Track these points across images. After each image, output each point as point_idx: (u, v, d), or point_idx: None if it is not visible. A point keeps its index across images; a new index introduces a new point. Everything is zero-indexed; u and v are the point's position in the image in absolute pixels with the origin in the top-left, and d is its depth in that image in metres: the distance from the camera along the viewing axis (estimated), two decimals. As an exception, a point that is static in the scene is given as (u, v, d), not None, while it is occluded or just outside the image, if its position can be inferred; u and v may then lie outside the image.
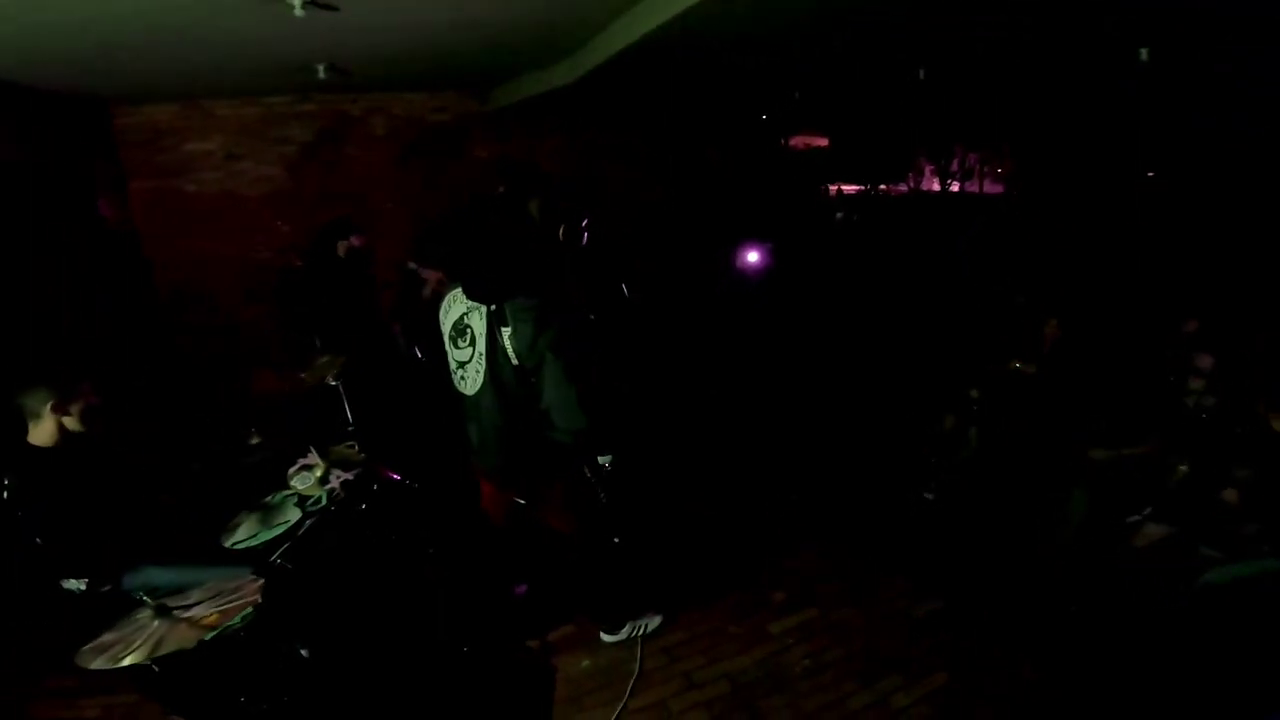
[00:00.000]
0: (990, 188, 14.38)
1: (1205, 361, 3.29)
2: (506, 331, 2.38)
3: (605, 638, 3.00)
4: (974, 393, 4.25)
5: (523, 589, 3.12)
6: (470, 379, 2.52)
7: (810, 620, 3.15)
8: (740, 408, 5.27)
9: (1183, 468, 3.02)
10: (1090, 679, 2.72)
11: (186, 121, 5.59)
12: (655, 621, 3.08)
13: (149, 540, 2.61)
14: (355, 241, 4.75)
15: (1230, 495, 2.89)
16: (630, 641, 2.99)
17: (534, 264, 2.49)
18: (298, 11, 3.12)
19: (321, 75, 4.76)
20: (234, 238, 5.87)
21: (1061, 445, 3.68)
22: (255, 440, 3.52)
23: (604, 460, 2.67)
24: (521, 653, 2.98)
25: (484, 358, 2.44)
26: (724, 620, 3.16)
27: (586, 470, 2.67)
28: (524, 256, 2.46)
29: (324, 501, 2.86)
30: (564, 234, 3.65)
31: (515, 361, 2.39)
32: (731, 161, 7.95)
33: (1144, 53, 4.55)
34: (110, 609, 2.16)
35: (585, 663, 2.92)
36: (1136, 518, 3.08)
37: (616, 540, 2.87)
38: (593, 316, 3.98)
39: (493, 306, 2.43)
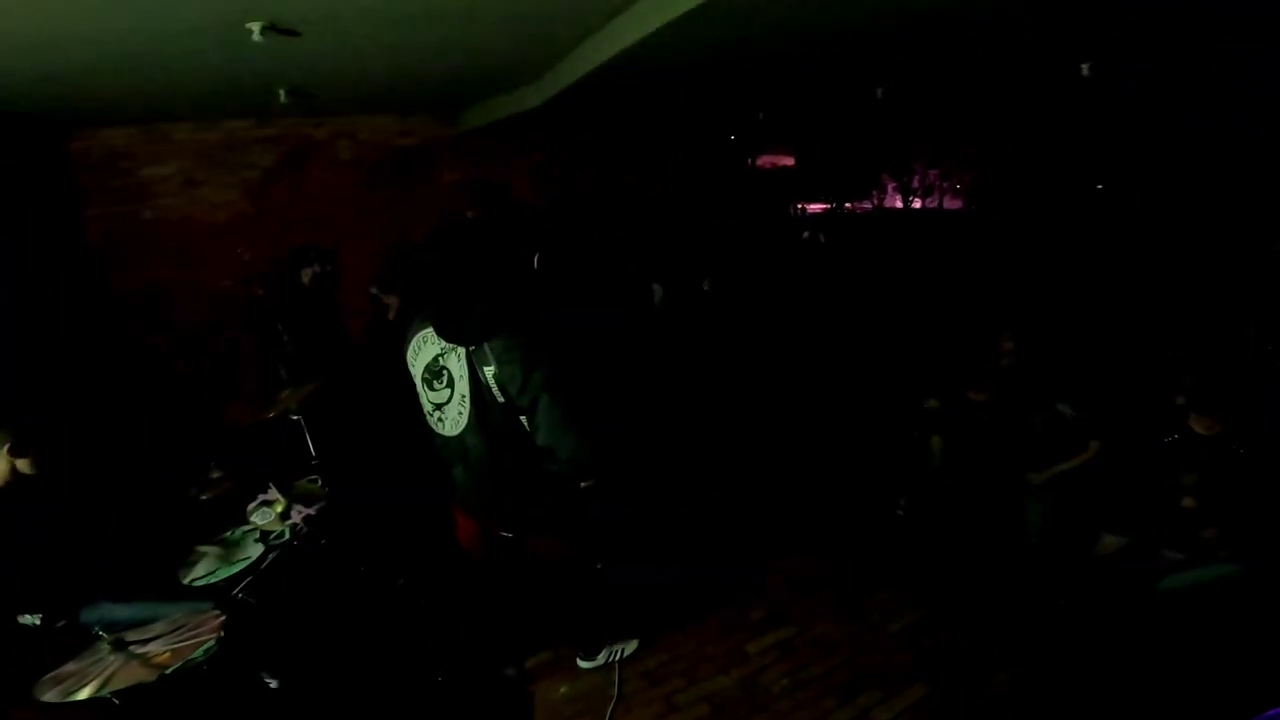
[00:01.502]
0: (950, 203, 14.76)
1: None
2: (490, 371, 2.32)
3: (582, 664, 2.96)
4: (932, 403, 4.32)
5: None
6: (450, 420, 2.45)
7: (789, 637, 3.14)
8: (720, 414, 5.28)
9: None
10: (1068, 685, 2.75)
11: (143, 146, 5.45)
12: (632, 645, 3.05)
13: (106, 576, 2.54)
14: (319, 269, 4.66)
15: (1188, 502, 2.96)
16: (608, 666, 2.95)
17: (511, 300, 2.42)
18: (256, 37, 3.09)
19: (283, 100, 4.71)
20: (194, 266, 5.72)
21: (1011, 460, 3.76)
22: (216, 474, 3.41)
23: (585, 483, 2.64)
24: (499, 680, 2.91)
25: (468, 399, 2.37)
26: (702, 641, 3.13)
27: (574, 494, 2.62)
28: (500, 294, 2.38)
29: (286, 536, 2.79)
30: (539, 262, 3.61)
31: (502, 400, 2.33)
32: (703, 178, 8.04)
33: (1085, 68, 4.75)
34: (72, 642, 2.13)
35: (564, 689, 2.86)
36: (1102, 534, 3.13)
37: (599, 565, 2.83)
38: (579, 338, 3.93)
39: (471, 347, 2.37)
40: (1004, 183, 10.64)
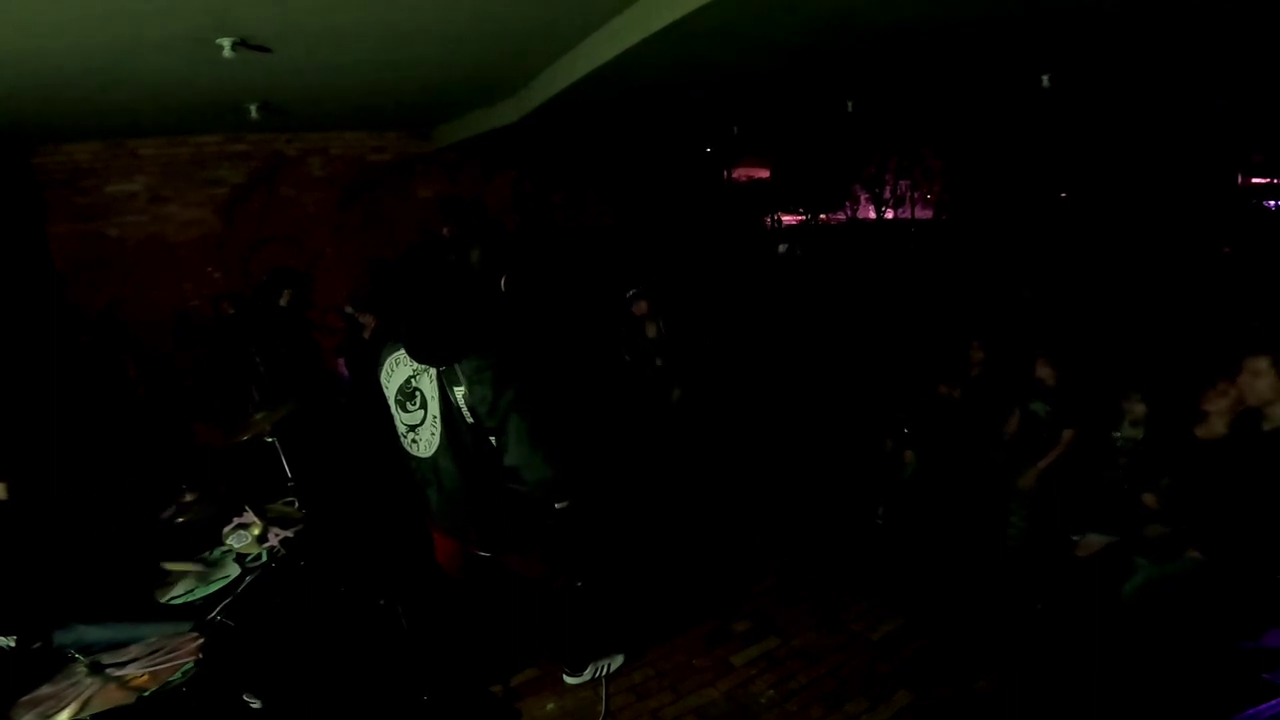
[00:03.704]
0: (920, 213, 15.04)
1: (1137, 411, 3.44)
2: (460, 391, 2.31)
3: (568, 679, 2.94)
4: (902, 413, 4.38)
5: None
6: (424, 441, 2.43)
7: (773, 649, 3.14)
8: (702, 426, 5.28)
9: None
10: (1050, 687, 2.78)
11: (108, 162, 5.34)
12: (618, 660, 3.03)
13: (80, 597, 2.49)
14: (295, 291, 4.66)
15: (1149, 499, 3.03)
16: (595, 682, 2.93)
17: (481, 321, 2.42)
18: (227, 53, 3.06)
19: (254, 115, 4.66)
20: (161, 285, 5.61)
21: (991, 465, 3.82)
22: (189, 497, 3.33)
23: (560, 505, 2.62)
24: (485, 698, 2.87)
25: (439, 420, 2.36)
26: (688, 655, 3.12)
27: (548, 516, 2.60)
28: (470, 315, 2.37)
29: (264, 559, 2.74)
30: (506, 284, 3.57)
31: (471, 420, 2.33)
32: (681, 190, 8.10)
33: (1045, 79, 4.88)
34: (47, 664, 2.11)
35: (550, 706, 2.83)
36: (1077, 538, 3.18)
37: (580, 583, 2.81)
38: (548, 361, 3.91)
39: (442, 368, 2.36)
40: (976, 191, 10.86)
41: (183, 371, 5.60)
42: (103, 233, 5.39)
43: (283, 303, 4.57)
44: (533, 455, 2.33)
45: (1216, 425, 2.94)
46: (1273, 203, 9.80)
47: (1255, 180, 10.02)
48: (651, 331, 5.12)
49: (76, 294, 5.31)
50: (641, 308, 5.10)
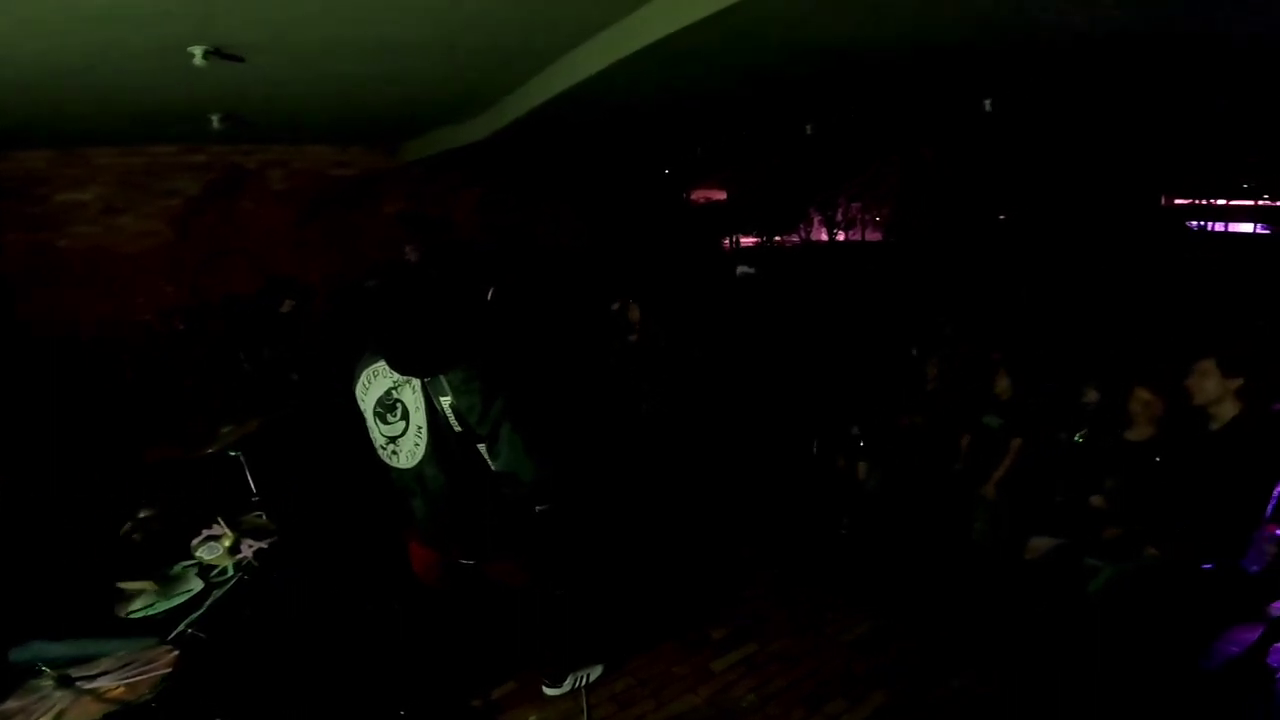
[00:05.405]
0: (870, 235, 15.56)
1: (1091, 396, 3.65)
2: (447, 401, 2.31)
3: (548, 691, 2.92)
4: (854, 430, 4.53)
5: None
6: (405, 452, 2.42)
7: (751, 654, 3.18)
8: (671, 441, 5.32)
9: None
10: (1020, 682, 2.90)
11: (60, 170, 5.15)
12: (597, 671, 3.03)
13: (37, 613, 2.42)
14: (297, 301, 4.64)
15: (1096, 500, 3.21)
16: (575, 692, 2.91)
17: (467, 332, 2.44)
18: (198, 61, 3.02)
19: (216, 126, 4.57)
20: (111, 297, 5.41)
21: (949, 476, 3.97)
22: (145, 514, 3.21)
23: (540, 507, 2.63)
24: (465, 713, 2.83)
25: (424, 430, 2.36)
26: (667, 662, 3.13)
27: (532, 522, 2.61)
28: (457, 327, 2.38)
29: (230, 572, 2.66)
30: (493, 296, 3.60)
31: (459, 429, 2.33)
32: (641, 211, 8.21)
33: (988, 103, 5.17)
34: (9, 680, 2.03)
35: (532, 718, 2.80)
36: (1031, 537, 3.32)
37: (560, 592, 2.81)
38: (535, 368, 3.92)
39: (427, 379, 2.35)
40: (922, 214, 11.29)
41: (136, 385, 5.38)
42: (53, 243, 5.19)
43: (284, 309, 4.52)
44: (526, 462, 2.34)
45: (1142, 428, 3.16)
46: (1195, 223, 10.54)
47: (1178, 201, 10.74)
48: (633, 331, 5.11)
49: (26, 305, 5.08)
50: (634, 313, 5.08)
